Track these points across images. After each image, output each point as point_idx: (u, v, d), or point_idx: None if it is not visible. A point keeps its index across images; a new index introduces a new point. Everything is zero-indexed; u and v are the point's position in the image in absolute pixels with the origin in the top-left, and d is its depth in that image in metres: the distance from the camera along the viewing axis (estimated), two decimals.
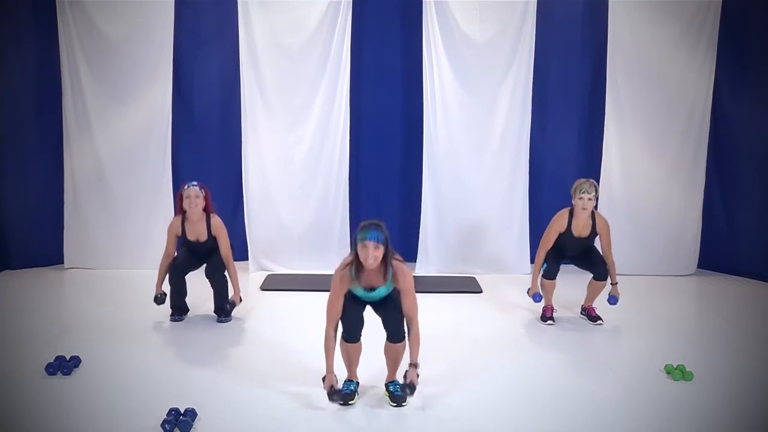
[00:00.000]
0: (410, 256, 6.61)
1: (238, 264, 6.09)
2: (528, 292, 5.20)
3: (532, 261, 6.68)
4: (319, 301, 5.44)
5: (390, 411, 3.65)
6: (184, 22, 6.56)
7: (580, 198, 4.94)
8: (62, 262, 6.64)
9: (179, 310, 5.12)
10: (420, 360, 3.61)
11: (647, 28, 6.48)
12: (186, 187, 4.99)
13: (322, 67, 6.53)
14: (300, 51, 6.49)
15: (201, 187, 4.99)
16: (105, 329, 4.87)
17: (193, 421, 3.38)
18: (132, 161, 6.55)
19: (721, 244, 6.85)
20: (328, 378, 3.61)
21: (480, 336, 4.91)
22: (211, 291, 5.17)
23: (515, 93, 6.58)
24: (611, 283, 5.13)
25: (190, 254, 5.12)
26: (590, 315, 5.23)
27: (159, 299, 5.07)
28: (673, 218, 6.74)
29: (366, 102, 6.83)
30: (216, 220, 5.03)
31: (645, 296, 6.04)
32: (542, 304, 5.24)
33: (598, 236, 5.10)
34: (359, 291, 3.69)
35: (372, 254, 3.51)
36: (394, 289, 3.69)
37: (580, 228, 5.05)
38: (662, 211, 6.72)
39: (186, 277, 5.10)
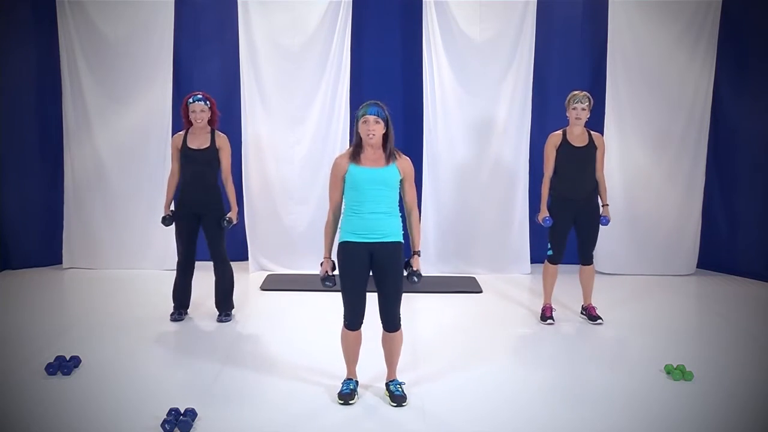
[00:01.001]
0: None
1: (238, 264, 6.11)
2: (538, 218, 5.15)
3: (533, 261, 6.72)
4: (319, 301, 5.51)
5: (390, 410, 3.65)
6: (184, 22, 6.57)
7: (574, 108, 4.97)
8: (62, 262, 6.63)
9: (180, 307, 5.12)
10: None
11: (647, 27, 6.48)
12: (190, 101, 4.87)
13: (322, 67, 6.53)
14: (300, 51, 6.49)
15: (206, 100, 4.88)
16: (105, 329, 4.87)
17: (193, 421, 3.38)
18: (132, 161, 6.55)
19: (721, 244, 6.84)
20: (325, 263, 3.63)
21: (480, 336, 4.91)
22: (211, 290, 5.18)
23: (515, 93, 6.58)
24: (603, 205, 5.15)
25: (187, 216, 4.94)
26: (590, 314, 5.22)
27: (166, 220, 5.00)
28: (673, 218, 6.73)
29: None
30: (222, 135, 4.97)
31: (645, 296, 6.03)
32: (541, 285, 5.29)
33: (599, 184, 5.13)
34: (360, 170, 3.59)
35: (372, 128, 3.52)
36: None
37: (577, 139, 5.04)
38: (662, 211, 6.71)
39: (187, 275, 5.10)
